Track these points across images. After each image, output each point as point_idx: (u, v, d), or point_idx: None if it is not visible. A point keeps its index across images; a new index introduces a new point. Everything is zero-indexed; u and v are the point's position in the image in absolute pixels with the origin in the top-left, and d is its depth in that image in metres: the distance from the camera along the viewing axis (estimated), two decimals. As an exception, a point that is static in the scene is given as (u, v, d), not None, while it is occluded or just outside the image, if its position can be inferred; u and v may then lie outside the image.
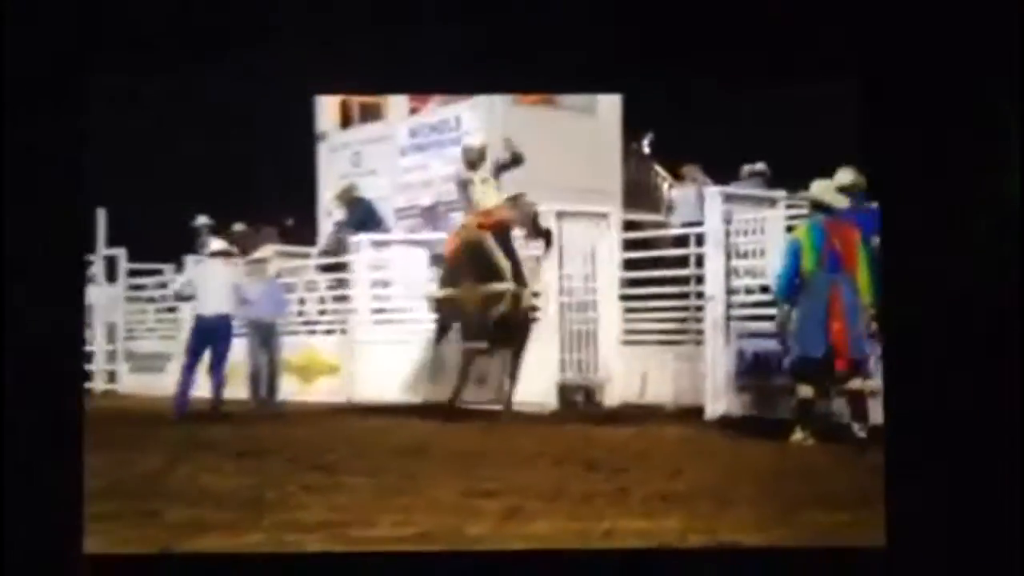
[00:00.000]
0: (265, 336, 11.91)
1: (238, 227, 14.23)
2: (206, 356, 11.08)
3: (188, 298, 11.63)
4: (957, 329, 5.98)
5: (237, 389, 11.74)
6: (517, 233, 10.24)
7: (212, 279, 11.23)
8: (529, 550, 5.46)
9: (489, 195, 10.33)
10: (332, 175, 14.46)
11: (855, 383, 8.09)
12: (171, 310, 14.32)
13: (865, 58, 6.19)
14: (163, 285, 14.63)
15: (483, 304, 9.99)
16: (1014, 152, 5.96)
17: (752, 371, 9.42)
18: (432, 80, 6.89)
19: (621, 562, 5.51)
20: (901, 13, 6.10)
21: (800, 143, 11.62)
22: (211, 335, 11.07)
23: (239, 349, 11.70)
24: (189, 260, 13.80)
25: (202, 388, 11.14)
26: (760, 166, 11.50)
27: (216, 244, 11.77)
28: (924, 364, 6.00)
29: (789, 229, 9.63)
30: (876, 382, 7.56)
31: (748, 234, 9.98)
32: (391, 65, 6.38)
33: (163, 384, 13.09)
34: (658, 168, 13.35)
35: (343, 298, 12.71)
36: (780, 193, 10.56)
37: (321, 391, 12.46)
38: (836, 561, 5.58)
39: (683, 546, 5.51)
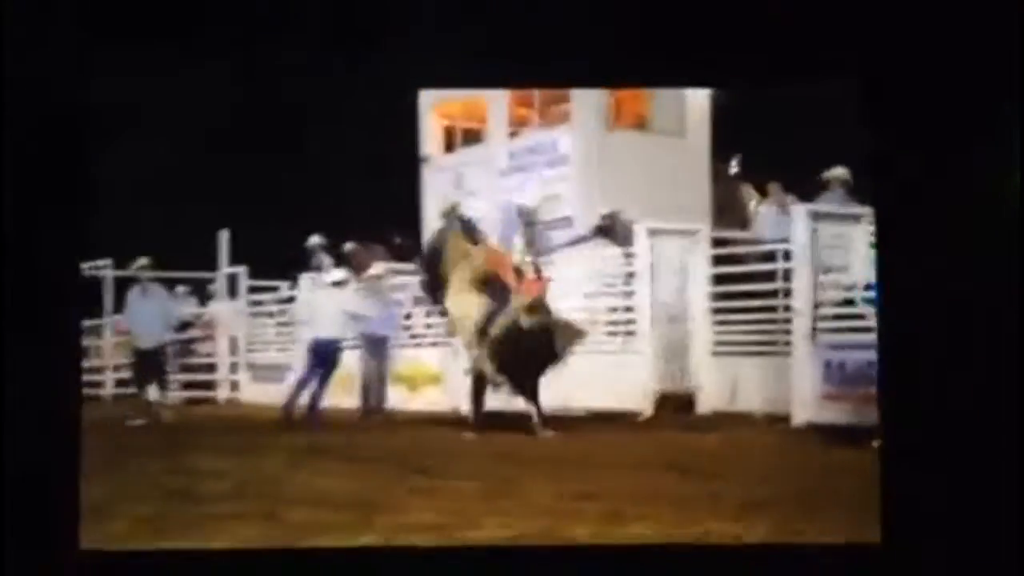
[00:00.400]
0: (377, 349, 12.25)
1: (349, 246, 14.46)
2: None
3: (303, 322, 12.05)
4: (955, 327, 5.85)
5: (349, 398, 12.01)
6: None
7: (327, 305, 11.56)
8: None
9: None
10: (436, 196, 14.63)
11: None
12: (288, 324, 14.60)
13: (865, 58, 6.05)
14: (281, 301, 14.91)
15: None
16: (1014, 152, 5.82)
17: (837, 381, 9.34)
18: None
19: (617, 558, 5.54)
20: (901, 13, 5.97)
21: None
22: (324, 356, 11.39)
23: (352, 361, 11.98)
24: (304, 278, 14.07)
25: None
26: (840, 171, 11.28)
27: (337, 274, 12.02)
28: (922, 362, 5.88)
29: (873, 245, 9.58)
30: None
31: (833, 249, 9.93)
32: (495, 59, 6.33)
33: (282, 393, 13.36)
34: (746, 187, 13.27)
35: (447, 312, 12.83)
36: (865, 210, 10.44)
37: (426, 400, 12.62)
38: (830, 558, 5.54)
39: (677, 542, 5.54)
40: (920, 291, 5.88)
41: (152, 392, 11.86)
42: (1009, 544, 5.62)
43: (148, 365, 11.98)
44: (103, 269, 15.19)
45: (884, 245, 6.09)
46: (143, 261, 12.05)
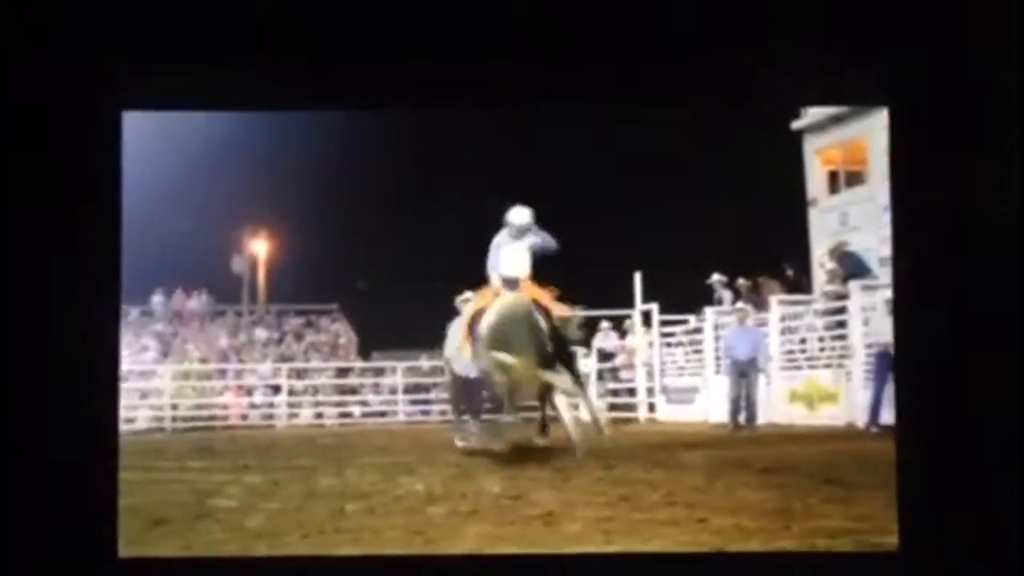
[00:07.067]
0: (742, 371, 12.41)
1: (741, 282, 14.44)
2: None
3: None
4: (973, 331, 5.23)
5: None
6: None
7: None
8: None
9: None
10: (823, 234, 14.52)
11: None
12: (697, 352, 14.71)
13: (894, 85, 5.38)
14: (689, 332, 15.00)
15: None
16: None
17: None
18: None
19: (620, 565, 5.33)
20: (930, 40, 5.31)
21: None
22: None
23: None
24: (708, 311, 14.22)
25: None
26: None
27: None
28: (939, 369, 5.28)
29: None
30: None
31: None
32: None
33: (693, 412, 13.66)
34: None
35: (841, 336, 12.62)
36: None
37: (824, 416, 12.37)
38: (848, 564, 5.23)
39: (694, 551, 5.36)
40: (935, 297, 5.31)
41: (466, 417, 11.01)
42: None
43: (464, 392, 11.08)
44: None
45: (896, 247, 5.48)
46: (467, 295, 10.74)
